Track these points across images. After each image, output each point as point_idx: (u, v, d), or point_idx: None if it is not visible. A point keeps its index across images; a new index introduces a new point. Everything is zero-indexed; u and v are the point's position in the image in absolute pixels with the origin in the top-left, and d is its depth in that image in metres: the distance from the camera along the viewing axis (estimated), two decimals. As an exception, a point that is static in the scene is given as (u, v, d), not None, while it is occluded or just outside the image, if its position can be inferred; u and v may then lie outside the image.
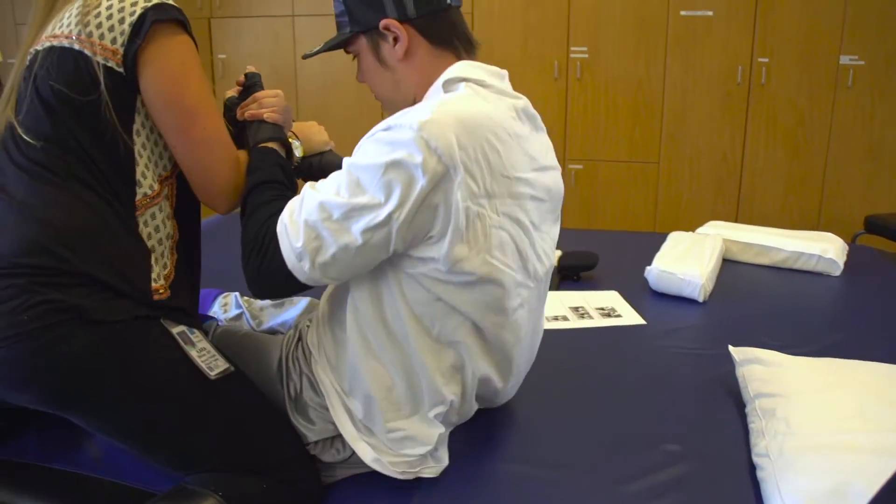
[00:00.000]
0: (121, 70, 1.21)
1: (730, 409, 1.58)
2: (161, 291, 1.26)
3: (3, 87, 1.30)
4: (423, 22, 1.29)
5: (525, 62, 4.38)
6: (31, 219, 1.18)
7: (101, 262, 1.18)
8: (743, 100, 4.18)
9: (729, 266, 2.58)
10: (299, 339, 1.40)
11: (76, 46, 1.21)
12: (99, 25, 1.21)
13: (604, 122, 4.38)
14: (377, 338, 1.25)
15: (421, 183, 1.10)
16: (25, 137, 1.21)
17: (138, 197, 1.26)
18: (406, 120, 1.13)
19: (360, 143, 1.18)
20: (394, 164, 1.11)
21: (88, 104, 1.21)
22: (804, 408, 1.38)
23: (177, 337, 1.25)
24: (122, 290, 1.20)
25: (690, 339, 1.97)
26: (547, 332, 1.99)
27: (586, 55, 4.31)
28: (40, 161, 1.21)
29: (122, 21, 1.21)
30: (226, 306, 1.91)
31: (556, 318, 2.10)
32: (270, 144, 1.39)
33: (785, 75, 4.08)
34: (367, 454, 1.28)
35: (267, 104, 1.46)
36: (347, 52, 1.39)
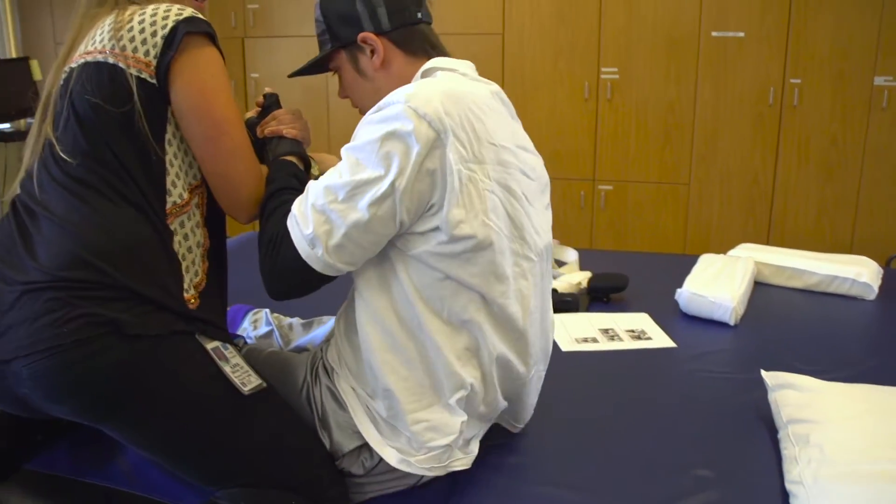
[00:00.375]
0: (153, 81, 1.25)
1: (762, 434, 1.56)
2: (192, 301, 1.28)
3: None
4: (397, 34, 1.39)
5: (555, 83, 4.37)
6: (72, 234, 1.20)
7: (139, 275, 1.21)
8: (775, 121, 4.15)
9: (761, 289, 2.55)
10: (321, 357, 1.42)
11: (110, 60, 1.24)
12: (132, 39, 1.24)
13: (634, 143, 4.37)
14: (389, 329, 1.27)
15: (416, 149, 1.18)
16: (62, 155, 1.24)
17: (168, 206, 1.29)
18: (393, 97, 1.23)
19: (355, 130, 1.26)
20: (388, 136, 1.19)
21: (123, 115, 1.24)
22: (839, 434, 1.36)
23: (211, 353, 1.26)
24: (161, 302, 1.22)
25: (721, 362, 1.95)
26: (576, 353, 1.99)
27: (617, 76, 4.30)
28: (78, 177, 1.24)
29: (154, 34, 1.24)
30: (256, 322, 1.93)
31: (585, 340, 2.08)
32: (289, 158, 1.44)
33: (817, 96, 4.05)
34: (393, 457, 1.29)
35: (285, 121, 1.50)
36: (329, 70, 1.48)
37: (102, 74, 1.24)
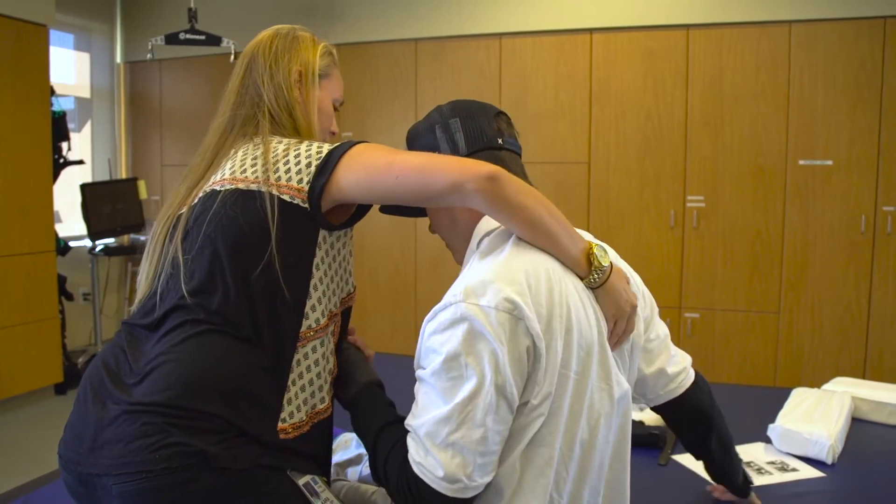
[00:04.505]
0: (305, 206, 1.27)
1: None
2: (289, 431, 1.28)
3: (149, 222, 1.39)
4: (475, 157, 1.34)
5: (641, 211, 4.41)
6: (177, 362, 1.23)
7: (236, 408, 1.22)
8: (868, 249, 4.07)
9: (859, 426, 2.45)
10: None
11: (263, 189, 1.27)
12: (287, 171, 1.28)
13: (720, 271, 4.34)
14: None
15: (499, 343, 1.13)
16: (185, 288, 1.27)
17: (303, 329, 1.29)
18: (448, 300, 1.18)
19: (419, 350, 1.22)
20: (465, 341, 1.14)
21: (264, 240, 1.25)
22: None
23: (303, 489, 1.27)
24: (254, 434, 1.22)
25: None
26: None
27: (703, 204, 4.33)
28: (198, 308, 1.26)
29: (308, 165, 1.28)
30: (346, 442, 1.95)
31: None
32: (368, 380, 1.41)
33: (913, 225, 3.98)
34: None
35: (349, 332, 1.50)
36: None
37: (254, 202, 1.27)
